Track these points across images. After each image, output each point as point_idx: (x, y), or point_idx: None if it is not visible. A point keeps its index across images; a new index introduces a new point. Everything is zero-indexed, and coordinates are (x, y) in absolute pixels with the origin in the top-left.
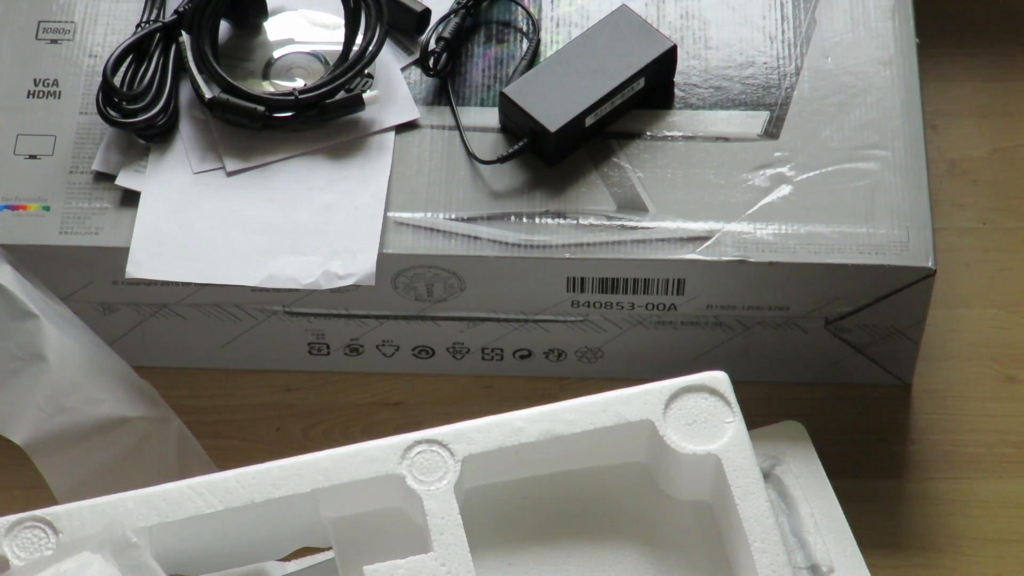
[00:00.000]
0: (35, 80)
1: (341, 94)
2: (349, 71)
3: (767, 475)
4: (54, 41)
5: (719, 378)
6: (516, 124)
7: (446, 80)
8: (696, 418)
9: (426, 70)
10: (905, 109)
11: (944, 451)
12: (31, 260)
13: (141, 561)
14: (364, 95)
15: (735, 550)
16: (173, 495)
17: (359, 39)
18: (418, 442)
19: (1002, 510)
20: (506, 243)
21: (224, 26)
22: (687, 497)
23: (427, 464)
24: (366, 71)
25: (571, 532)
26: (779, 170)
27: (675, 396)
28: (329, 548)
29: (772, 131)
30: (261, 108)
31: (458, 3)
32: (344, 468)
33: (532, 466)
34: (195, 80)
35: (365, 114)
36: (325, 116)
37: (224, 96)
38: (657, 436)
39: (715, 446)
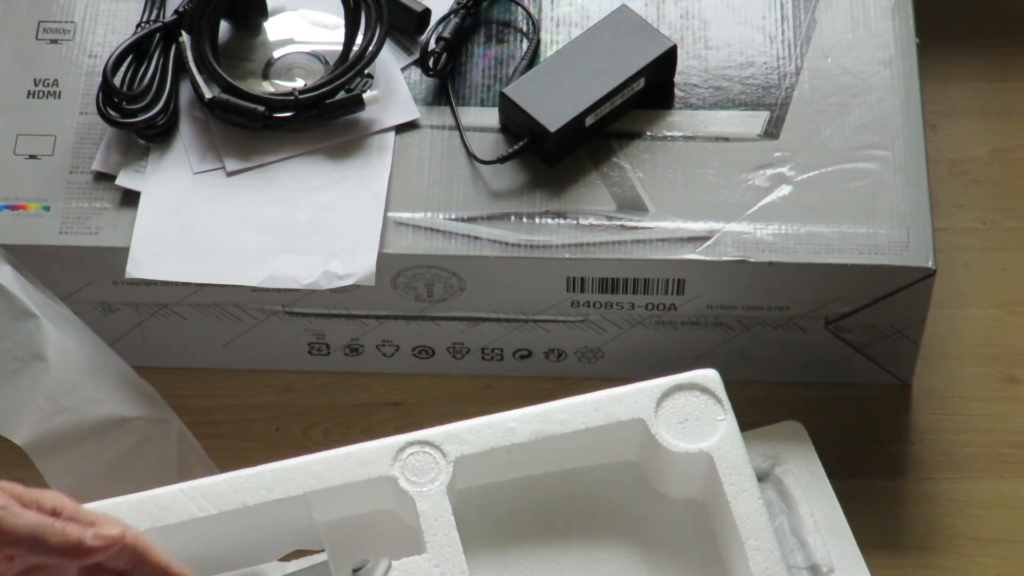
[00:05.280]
0: (35, 80)
1: (341, 94)
2: (349, 71)
3: (767, 475)
4: (54, 41)
5: (710, 376)
6: (516, 124)
7: (446, 80)
8: (688, 416)
9: (426, 70)
10: (905, 109)
11: (944, 451)
12: (31, 260)
13: None
14: (364, 95)
15: (728, 548)
16: (165, 499)
17: (359, 39)
18: (410, 443)
19: (1002, 510)
20: (506, 243)
21: (224, 26)
22: (680, 496)
23: (419, 465)
24: (366, 71)
25: (564, 532)
26: (779, 170)
27: (666, 395)
28: (323, 550)
29: (772, 131)
30: (261, 108)
31: (458, 3)
32: (336, 470)
33: (525, 466)
34: (195, 80)
35: (365, 114)
36: (325, 116)
37: (224, 96)
38: (649, 435)
39: (707, 444)
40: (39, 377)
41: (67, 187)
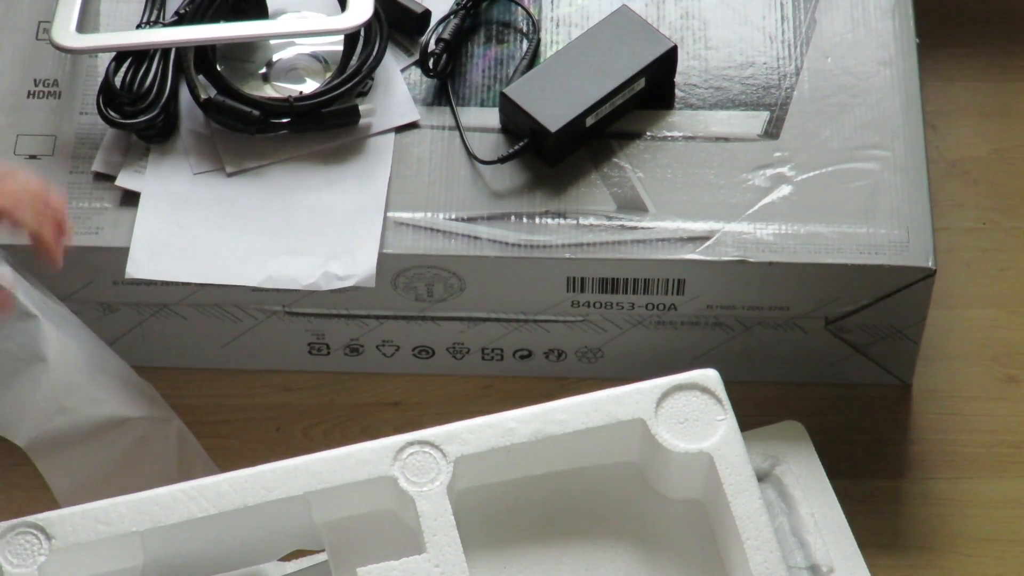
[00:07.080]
0: (35, 80)
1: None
2: (346, 83)
3: (767, 475)
4: None
5: (710, 376)
6: (516, 124)
7: (446, 81)
8: (688, 416)
9: (426, 71)
10: (905, 109)
11: (944, 451)
12: (31, 260)
13: None
14: (360, 107)
15: (728, 548)
16: (166, 499)
17: (358, 48)
18: (410, 443)
19: (1002, 510)
20: (506, 243)
21: None
22: (680, 496)
23: (419, 465)
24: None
25: (564, 532)
26: (779, 170)
27: (666, 395)
28: (323, 550)
29: (772, 131)
30: (256, 112)
31: (458, 4)
32: (336, 471)
33: (524, 466)
34: (192, 81)
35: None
36: (321, 125)
37: (220, 98)
38: (649, 435)
39: (707, 444)
40: (39, 377)
41: (67, 187)
